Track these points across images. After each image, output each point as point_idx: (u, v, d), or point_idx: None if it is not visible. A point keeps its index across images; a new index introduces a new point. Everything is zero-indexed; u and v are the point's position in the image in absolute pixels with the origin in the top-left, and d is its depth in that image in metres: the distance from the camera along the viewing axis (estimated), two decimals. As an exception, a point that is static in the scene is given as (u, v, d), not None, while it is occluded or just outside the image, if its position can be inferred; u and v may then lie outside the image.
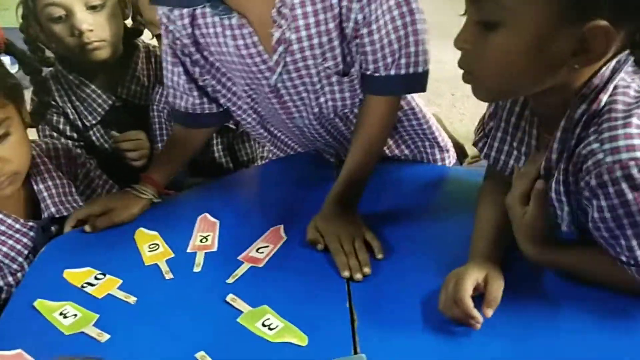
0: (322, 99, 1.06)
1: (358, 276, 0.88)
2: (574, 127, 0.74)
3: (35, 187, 1.07)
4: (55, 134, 1.38)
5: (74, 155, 1.19)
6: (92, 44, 1.27)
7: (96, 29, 1.27)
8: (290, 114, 1.09)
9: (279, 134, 1.22)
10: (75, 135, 1.41)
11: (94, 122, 1.40)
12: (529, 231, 0.82)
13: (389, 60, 0.98)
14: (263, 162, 1.52)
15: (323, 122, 1.11)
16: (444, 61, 2.99)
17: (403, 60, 0.97)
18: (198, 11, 0.99)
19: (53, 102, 1.37)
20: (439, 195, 1.16)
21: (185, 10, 1.00)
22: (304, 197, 1.11)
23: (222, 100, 1.13)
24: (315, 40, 0.97)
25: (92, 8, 1.26)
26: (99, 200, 1.10)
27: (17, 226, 1.03)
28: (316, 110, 1.07)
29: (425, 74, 1.00)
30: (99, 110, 1.39)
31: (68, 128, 1.40)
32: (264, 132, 1.20)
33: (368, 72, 1.00)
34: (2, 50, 1.01)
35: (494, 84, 0.76)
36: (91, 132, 1.41)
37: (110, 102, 1.39)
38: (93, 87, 1.37)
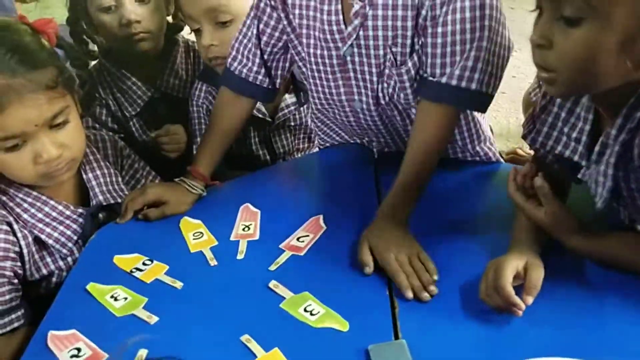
0: (383, 84, 1.06)
1: (425, 295, 0.85)
2: None
3: (84, 175, 1.11)
4: (97, 126, 1.43)
5: (120, 147, 1.23)
6: (139, 35, 1.34)
7: (143, 20, 1.34)
8: (352, 94, 1.10)
9: (330, 124, 1.23)
10: (115, 126, 1.46)
11: (133, 113, 1.45)
12: (560, 226, 0.84)
13: (447, 69, 0.97)
14: (299, 154, 1.55)
15: (380, 111, 1.11)
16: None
17: (457, 72, 0.96)
18: None
19: (96, 95, 1.43)
20: (480, 188, 1.16)
21: None
22: (343, 188, 1.14)
23: (294, 65, 1.16)
24: (390, 22, 0.98)
25: (140, 0, 1.33)
26: (152, 190, 1.12)
27: (68, 212, 1.07)
28: (376, 94, 1.08)
29: (478, 94, 0.98)
30: (139, 101, 1.44)
31: (110, 120, 1.46)
32: (319, 114, 1.21)
33: (424, 75, 1.00)
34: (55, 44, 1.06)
35: (573, 80, 0.75)
36: (131, 124, 1.46)
37: (149, 94, 1.44)
38: (134, 79, 1.43)
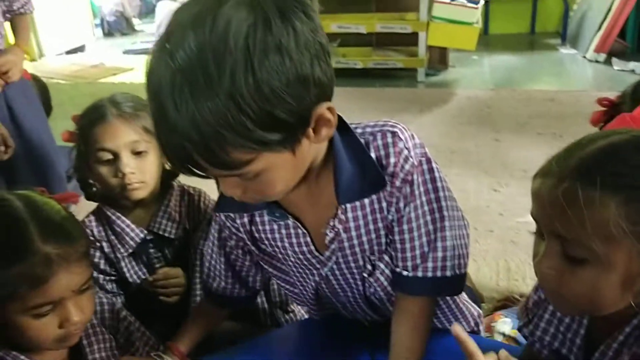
0: (368, 284, 1.08)
1: None
2: None
3: (80, 341, 1.12)
4: None
5: (117, 310, 1.25)
6: (132, 185, 1.39)
7: (138, 172, 1.38)
8: (337, 294, 1.12)
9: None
10: (108, 269, 1.49)
11: (125, 254, 1.48)
12: None
13: (418, 261, 1.00)
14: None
15: (369, 302, 1.12)
16: (466, 191, 2.71)
17: (430, 264, 1.00)
18: (256, 213, 1.06)
19: (91, 238, 1.46)
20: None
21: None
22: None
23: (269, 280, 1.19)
24: (365, 238, 1.01)
25: (137, 154, 1.39)
26: None
27: (60, 382, 1.07)
28: (362, 292, 1.09)
29: (454, 278, 1.01)
30: (131, 242, 1.47)
31: (102, 262, 1.49)
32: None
33: (397, 270, 1.03)
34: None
35: (580, 306, 0.79)
36: (123, 264, 1.49)
37: (142, 235, 1.47)
38: (128, 222, 1.47)
